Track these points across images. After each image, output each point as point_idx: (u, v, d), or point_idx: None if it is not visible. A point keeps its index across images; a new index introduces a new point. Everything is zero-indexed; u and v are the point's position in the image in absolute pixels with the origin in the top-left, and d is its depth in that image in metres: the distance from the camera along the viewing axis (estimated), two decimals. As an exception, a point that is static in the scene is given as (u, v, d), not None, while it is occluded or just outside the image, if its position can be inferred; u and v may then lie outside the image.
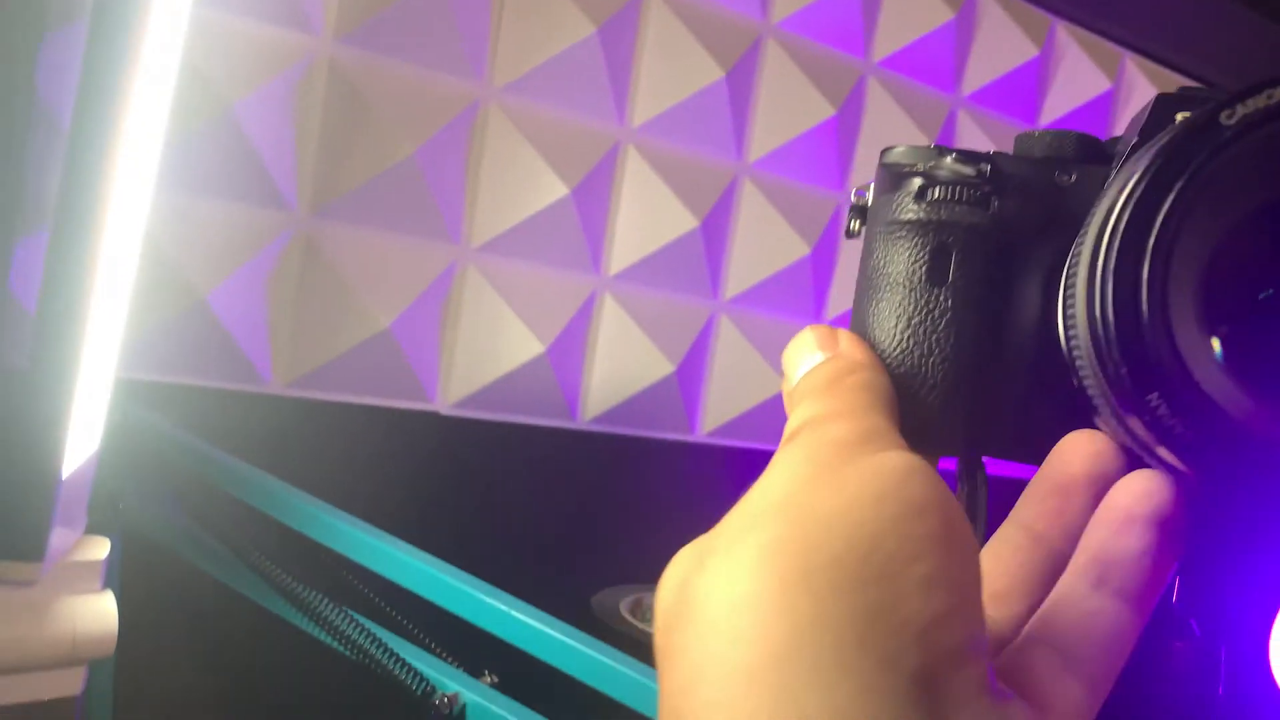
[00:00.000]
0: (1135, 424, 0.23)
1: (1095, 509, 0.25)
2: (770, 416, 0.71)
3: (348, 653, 0.44)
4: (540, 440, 0.65)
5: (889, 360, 0.30)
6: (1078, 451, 0.26)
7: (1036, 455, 0.29)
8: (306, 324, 0.58)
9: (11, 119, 0.29)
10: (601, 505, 0.67)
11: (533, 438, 0.65)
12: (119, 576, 0.48)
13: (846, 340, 0.27)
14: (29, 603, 0.31)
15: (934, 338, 0.31)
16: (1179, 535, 0.24)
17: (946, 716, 0.19)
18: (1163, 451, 0.23)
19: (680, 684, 0.19)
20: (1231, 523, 0.26)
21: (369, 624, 0.44)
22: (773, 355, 0.70)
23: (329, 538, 0.47)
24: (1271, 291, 0.24)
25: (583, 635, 0.44)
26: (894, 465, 0.21)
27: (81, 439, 0.34)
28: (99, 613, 0.33)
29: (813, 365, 0.26)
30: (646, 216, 0.65)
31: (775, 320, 0.73)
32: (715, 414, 0.70)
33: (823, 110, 0.73)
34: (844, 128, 0.75)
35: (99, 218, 0.31)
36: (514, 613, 0.44)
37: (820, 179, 0.75)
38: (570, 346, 0.65)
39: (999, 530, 0.26)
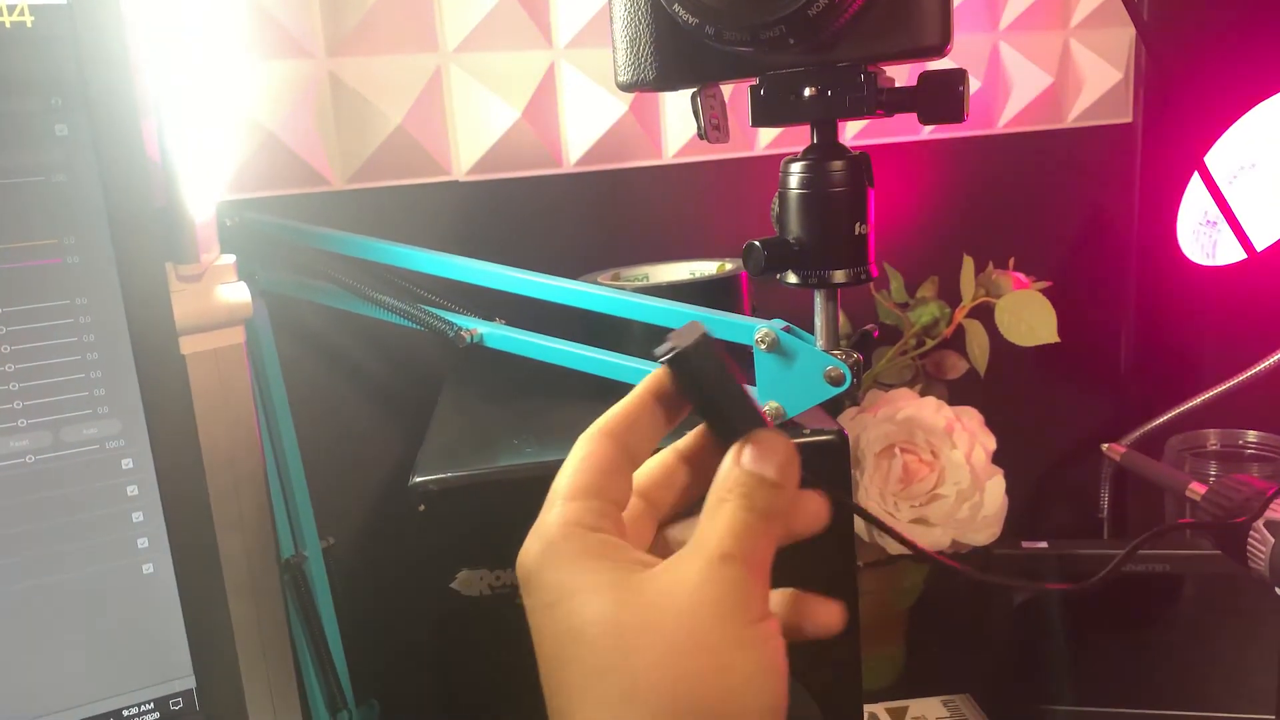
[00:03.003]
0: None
1: None
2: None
3: (412, 323, 0.67)
4: (537, 187, 0.85)
5: (631, 38, 0.50)
6: None
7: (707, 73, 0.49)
8: (345, 134, 0.80)
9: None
10: (593, 229, 0.87)
11: (530, 186, 0.85)
12: (271, 326, 0.73)
13: (794, 477, 0.34)
14: (199, 289, 0.55)
15: (645, 22, 0.51)
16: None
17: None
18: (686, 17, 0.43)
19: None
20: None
21: (420, 306, 0.67)
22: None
23: (395, 259, 0.69)
24: None
25: (571, 281, 0.64)
26: (767, 635, 0.31)
27: (198, 209, 0.56)
28: (239, 291, 0.57)
29: (770, 480, 0.33)
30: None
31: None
32: (674, 140, 0.88)
33: None
34: None
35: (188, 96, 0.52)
36: (521, 275, 0.66)
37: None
38: (543, 108, 0.84)
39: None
